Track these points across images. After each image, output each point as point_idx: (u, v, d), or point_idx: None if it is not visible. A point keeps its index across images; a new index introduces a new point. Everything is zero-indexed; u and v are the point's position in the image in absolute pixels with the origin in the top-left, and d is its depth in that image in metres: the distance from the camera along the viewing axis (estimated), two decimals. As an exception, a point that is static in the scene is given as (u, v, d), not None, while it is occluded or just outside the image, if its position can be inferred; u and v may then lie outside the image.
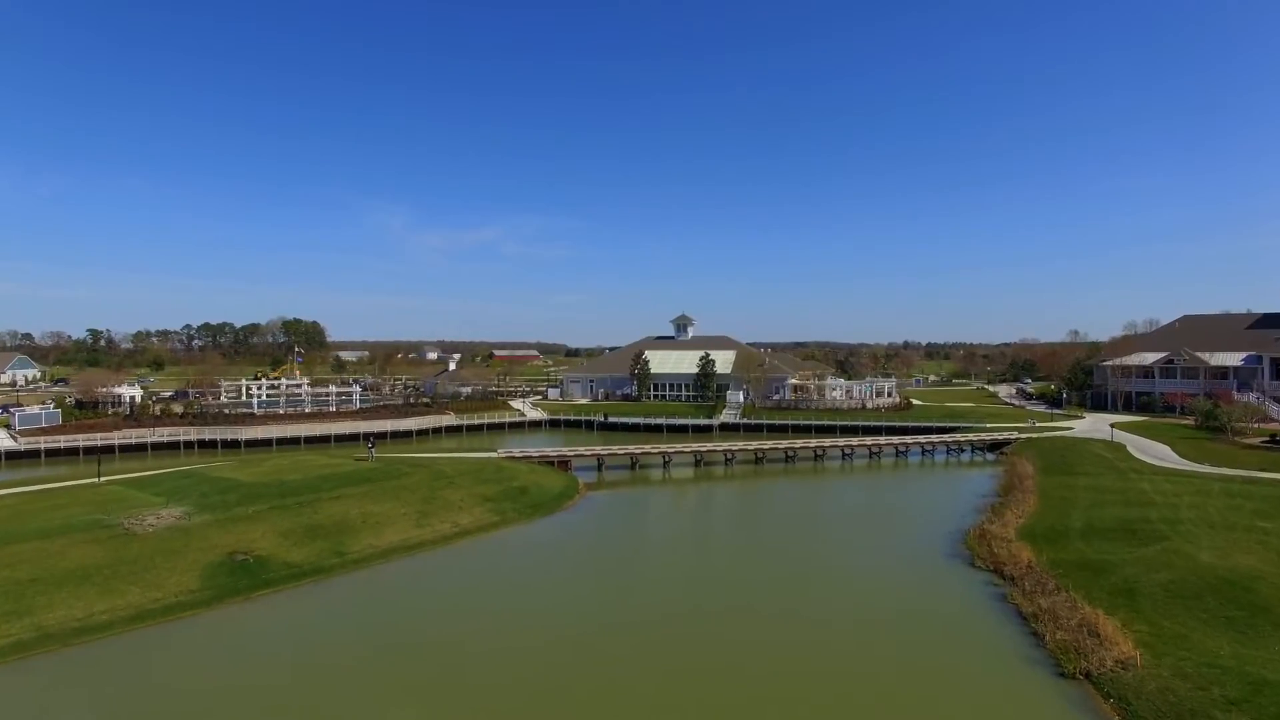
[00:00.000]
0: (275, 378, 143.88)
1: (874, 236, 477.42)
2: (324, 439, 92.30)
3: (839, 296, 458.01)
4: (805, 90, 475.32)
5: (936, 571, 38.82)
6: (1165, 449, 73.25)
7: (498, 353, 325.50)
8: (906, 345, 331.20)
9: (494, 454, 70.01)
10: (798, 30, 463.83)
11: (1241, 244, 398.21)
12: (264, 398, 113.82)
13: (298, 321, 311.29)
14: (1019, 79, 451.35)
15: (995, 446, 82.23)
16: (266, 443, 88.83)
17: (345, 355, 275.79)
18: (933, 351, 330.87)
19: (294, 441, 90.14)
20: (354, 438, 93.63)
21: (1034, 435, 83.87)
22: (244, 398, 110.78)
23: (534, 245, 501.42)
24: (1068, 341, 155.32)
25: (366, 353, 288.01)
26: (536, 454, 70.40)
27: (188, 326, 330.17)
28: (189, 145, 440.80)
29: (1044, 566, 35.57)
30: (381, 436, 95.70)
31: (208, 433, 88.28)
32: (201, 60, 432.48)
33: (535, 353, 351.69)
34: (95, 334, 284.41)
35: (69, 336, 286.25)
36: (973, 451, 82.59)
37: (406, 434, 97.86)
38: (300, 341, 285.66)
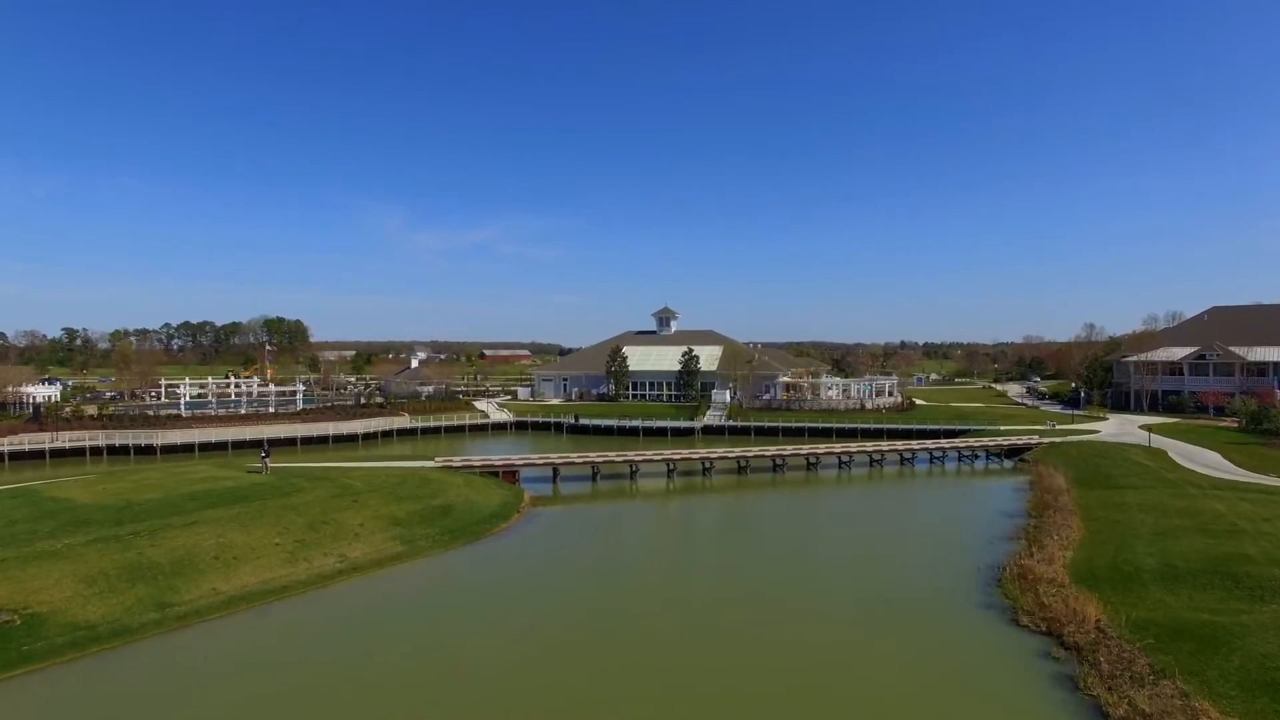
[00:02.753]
0: (246, 377, 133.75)
1: (870, 237, 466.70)
2: (255, 444, 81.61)
3: (834, 296, 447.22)
4: (802, 91, 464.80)
5: (966, 634, 28.42)
6: (1214, 456, 63.04)
7: (490, 353, 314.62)
8: (903, 345, 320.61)
9: (428, 463, 59.49)
10: (795, 32, 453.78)
11: (1247, 239, 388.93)
12: (208, 398, 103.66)
13: (280, 320, 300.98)
14: (1010, 80, 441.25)
15: (1013, 452, 72.07)
16: (187, 448, 78.43)
17: (329, 355, 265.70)
18: (930, 351, 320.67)
19: (220, 447, 79.70)
20: (290, 442, 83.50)
21: (1057, 439, 73.67)
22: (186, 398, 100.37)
23: (531, 246, 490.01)
24: (1081, 337, 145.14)
25: (353, 352, 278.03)
26: (479, 462, 59.88)
27: (167, 325, 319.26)
28: (185, 146, 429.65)
29: (1122, 631, 25.19)
30: (322, 441, 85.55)
31: (118, 437, 77.64)
32: (198, 61, 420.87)
33: (527, 353, 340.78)
34: (71, 333, 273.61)
35: (44, 336, 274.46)
36: (987, 458, 72.33)
37: (351, 438, 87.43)
38: (284, 341, 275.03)
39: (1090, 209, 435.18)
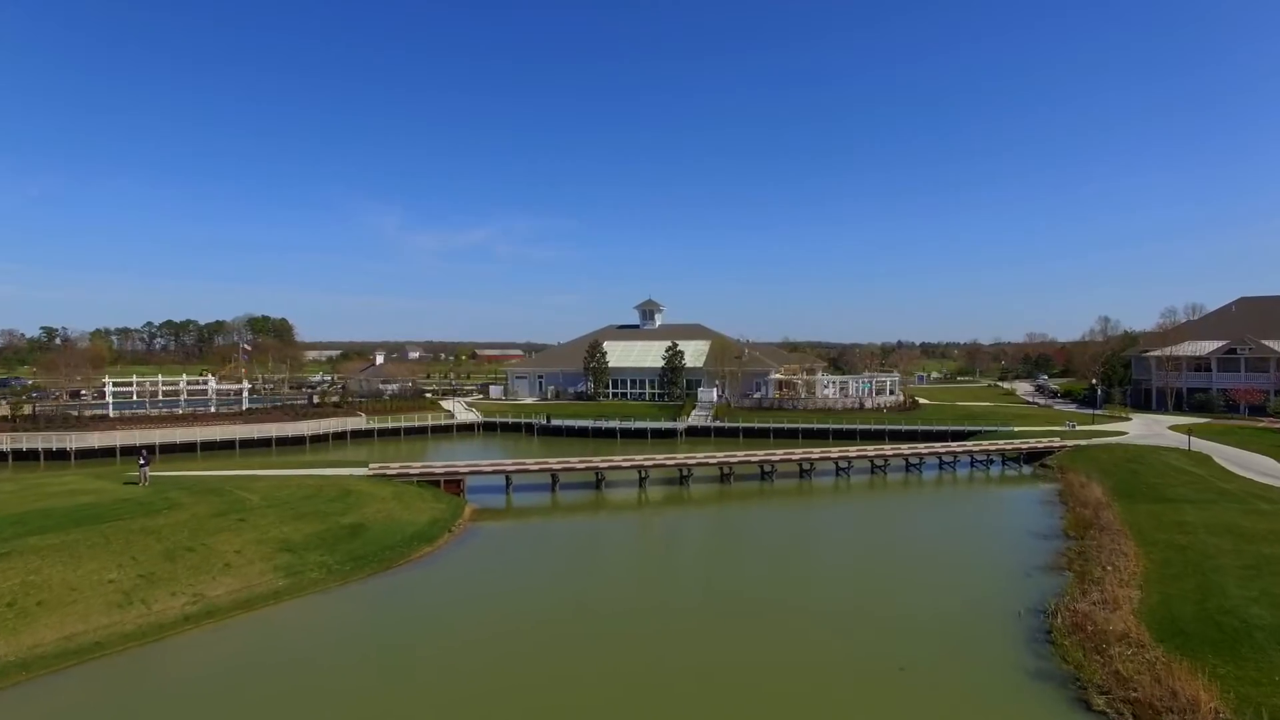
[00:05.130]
0: (222, 376, 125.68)
1: (865, 237, 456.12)
2: (188, 447, 73.62)
3: (829, 297, 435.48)
4: (800, 91, 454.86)
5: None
6: (1268, 461, 54.93)
7: (482, 352, 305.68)
8: (900, 344, 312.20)
9: (358, 471, 51.11)
10: (795, 32, 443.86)
11: (1246, 239, 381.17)
12: (155, 396, 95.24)
13: (265, 319, 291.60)
14: (1010, 80, 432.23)
15: (1033, 457, 63.85)
16: (107, 452, 70.28)
17: (314, 354, 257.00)
18: (929, 350, 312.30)
19: (146, 450, 71.13)
20: (228, 445, 75.50)
21: (1081, 442, 65.44)
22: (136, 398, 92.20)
23: (528, 246, 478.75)
24: (1095, 332, 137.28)
25: (338, 352, 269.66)
26: (418, 470, 51.44)
27: (149, 324, 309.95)
28: (184, 147, 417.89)
29: (1260, 734, 16.88)
30: (265, 444, 77.19)
31: (25, 441, 69.25)
32: (194, 61, 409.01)
33: (520, 353, 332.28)
34: (50, 331, 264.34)
35: (23, 335, 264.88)
36: (1004, 463, 64.11)
37: (299, 440, 79.26)
38: (269, 339, 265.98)
39: (1090, 209, 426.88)
